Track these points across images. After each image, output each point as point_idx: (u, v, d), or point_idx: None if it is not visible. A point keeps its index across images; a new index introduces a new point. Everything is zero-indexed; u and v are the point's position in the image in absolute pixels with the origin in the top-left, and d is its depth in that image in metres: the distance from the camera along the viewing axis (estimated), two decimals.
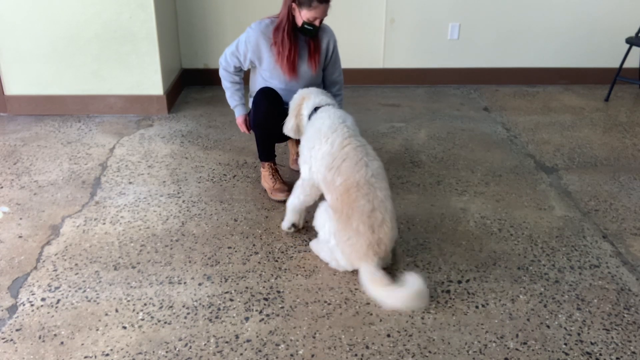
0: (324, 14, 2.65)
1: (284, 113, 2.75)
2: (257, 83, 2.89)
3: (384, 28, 4.64)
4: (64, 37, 3.89)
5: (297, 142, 3.07)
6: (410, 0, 4.55)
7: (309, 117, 2.52)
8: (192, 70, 4.73)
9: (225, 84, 2.92)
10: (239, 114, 2.94)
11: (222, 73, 2.92)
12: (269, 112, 2.74)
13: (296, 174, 3.09)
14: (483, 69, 4.81)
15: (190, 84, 4.75)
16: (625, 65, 4.54)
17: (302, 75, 2.80)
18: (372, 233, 2.16)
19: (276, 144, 3.00)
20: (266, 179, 2.95)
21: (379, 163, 2.30)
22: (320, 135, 2.35)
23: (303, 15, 2.62)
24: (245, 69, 2.89)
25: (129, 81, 4.04)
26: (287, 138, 2.88)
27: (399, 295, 2.04)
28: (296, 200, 2.54)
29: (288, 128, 2.63)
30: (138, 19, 3.86)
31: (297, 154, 2.65)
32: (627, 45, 4.43)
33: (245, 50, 2.78)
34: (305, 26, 2.66)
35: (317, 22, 2.66)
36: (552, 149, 3.57)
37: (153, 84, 4.05)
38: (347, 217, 2.19)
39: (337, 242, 2.23)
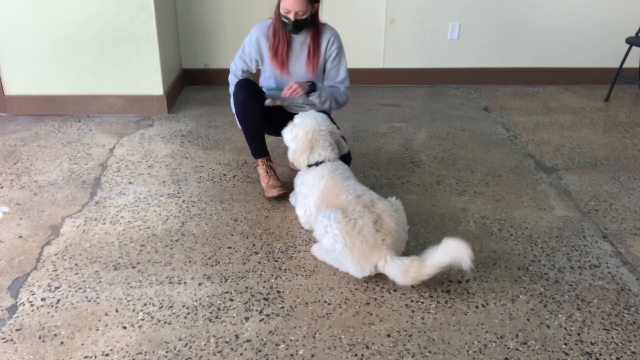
0: (297, 7, 2.59)
1: (262, 105, 2.77)
2: (261, 83, 2.92)
3: (384, 28, 4.64)
4: (64, 37, 3.89)
5: None
6: (410, 0, 4.55)
7: (309, 165, 2.55)
8: (192, 70, 4.73)
9: (232, 88, 2.92)
10: None
11: (230, 78, 2.94)
12: (247, 102, 2.75)
13: (295, 173, 3.09)
14: (483, 69, 4.81)
15: (190, 84, 4.76)
16: (625, 65, 4.54)
17: (296, 76, 2.80)
18: (370, 211, 2.21)
19: (277, 144, 3.01)
20: (262, 177, 2.95)
21: (355, 180, 2.46)
22: (312, 187, 2.49)
23: (281, 7, 2.63)
24: (254, 70, 2.90)
25: (129, 81, 4.04)
26: (276, 131, 2.85)
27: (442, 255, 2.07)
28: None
29: (300, 162, 2.55)
30: (138, 19, 3.86)
31: None
32: (627, 45, 4.43)
33: (249, 50, 2.82)
34: (282, 18, 2.66)
35: (291, 16, 2.62)
36: (552, 149, 3.57)
37: (153, 84, 4.05)
38: (342, 210, 2.25)
39: (345, 239, 2.20)
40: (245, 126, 2.85)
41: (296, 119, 2.61)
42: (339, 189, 2.36)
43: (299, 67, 2.80)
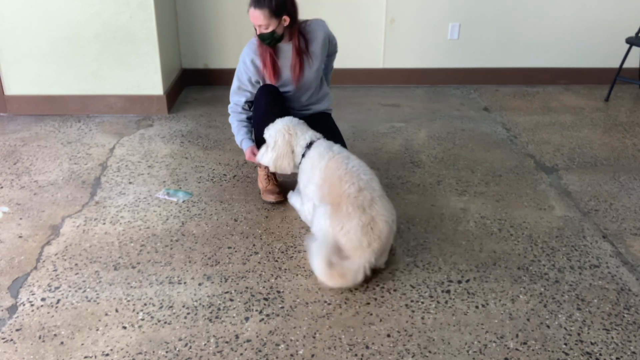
0: (257, 21, 2.58)
1: (284, 110, 2.77)
2: None
3: (384, 28, 4.64)
4: (64, 37, 3.89)
5: None
6: (410, 0, 4.55)
7: (303, 154, 2.54)
8: (192, 70, 4.73)
9: (233, 125, 2.90)
10: (246, 147, 2.87)
11: (230, 119, 2.91)
12: (268, 109, 2.73)
13: (296, 174, 3.09)
14: (483, 69, 4.81)
15: (190, 84, 4.76)
16: (625, 65, 4.54)
17: (288, 81, 2.80)
18: (363, 212, 2.18)
19: None
20: (261, 179, 2.95)
21: (360, 161, 2.41)
22: (312, 168, 2.47)
23: None
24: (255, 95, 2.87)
25: (129, 81, 4.04)
26: None
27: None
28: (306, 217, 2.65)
29: (284, 166, 2.58)
30: (138, 19, 3.86)
31: None
32: (627, 45, 4.43)
33: (248, 77, 2.79)
34: (256, 32, 2.66)
35: (257, 29, 2.63)
36: (552, 149, 3.57)
37: (153, 84, 4.05)
38: (337, 205, 2.23)
39: (333, 236, 2.22)
40: (260, 131, 2.81)
41: (266, 134, 2.62)
42: (343, 172, 2.31)
43: (289, 76, 2.81)
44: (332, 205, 2.26)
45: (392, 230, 2.26)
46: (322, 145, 2.51)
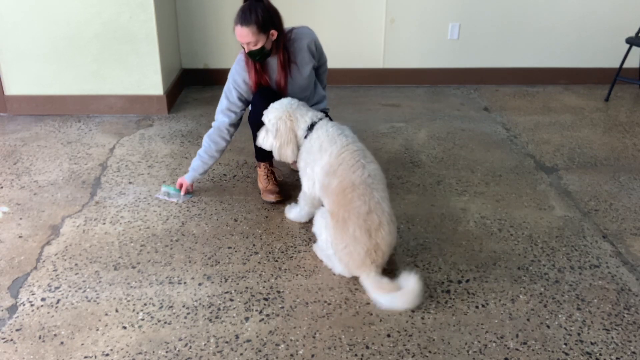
0: (244, 39, 2.54)
1: None
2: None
3: (384, 28, 4.64)
4: (64, 37, 3.89)
5: None
6: (410, 0, 4.55)
7: (305, 136, 2.48)
8: (192, 70, 4.73)
9: (200, 150, 2.85)
10: (187, 178, 2.90)
11: (205, 138, 2.84)
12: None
13: (296, 174, 3.10)
14: (483, 69, 4.81)
15: (190, 84, 4.76)
16: (625, 65, 4.54)
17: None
18: (369, 238, 2.14)
19: None
20: (261, 179, 2.95)
21: (376, 165, 2.32)
22: (320, 150, 2.37)
23: None
24: (242, 114, 2.85)
25: (129, 81, 4.04)
26: None
27: (405, 297, 2.07)
28: (302, 212, 2.63)
29: (287, 155, 2.52)
30: (138, 19, 3.86)
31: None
32: (627, 45, 4.43)
33: (238, 94, 2.75)
34: (244, 50, 2.64)
35: (245, 47, 2.59)
36: (552, 149, 3.57)
37: (153, 84, 4.05)
38: (343, 222, 2.17)
39: (335, 251, 2.23)
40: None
41: (265, 117, 2.55)
42: (358, 180, 2.20)
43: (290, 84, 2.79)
44: (337, 216, 2.20)
45: (393, 247, 2.27)
46: (329, 126, 2.42)
